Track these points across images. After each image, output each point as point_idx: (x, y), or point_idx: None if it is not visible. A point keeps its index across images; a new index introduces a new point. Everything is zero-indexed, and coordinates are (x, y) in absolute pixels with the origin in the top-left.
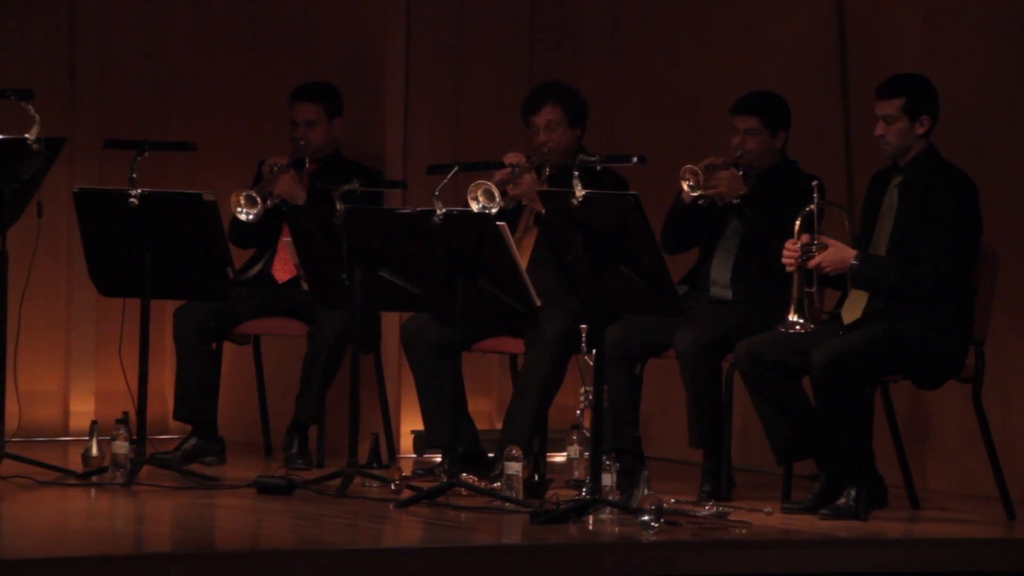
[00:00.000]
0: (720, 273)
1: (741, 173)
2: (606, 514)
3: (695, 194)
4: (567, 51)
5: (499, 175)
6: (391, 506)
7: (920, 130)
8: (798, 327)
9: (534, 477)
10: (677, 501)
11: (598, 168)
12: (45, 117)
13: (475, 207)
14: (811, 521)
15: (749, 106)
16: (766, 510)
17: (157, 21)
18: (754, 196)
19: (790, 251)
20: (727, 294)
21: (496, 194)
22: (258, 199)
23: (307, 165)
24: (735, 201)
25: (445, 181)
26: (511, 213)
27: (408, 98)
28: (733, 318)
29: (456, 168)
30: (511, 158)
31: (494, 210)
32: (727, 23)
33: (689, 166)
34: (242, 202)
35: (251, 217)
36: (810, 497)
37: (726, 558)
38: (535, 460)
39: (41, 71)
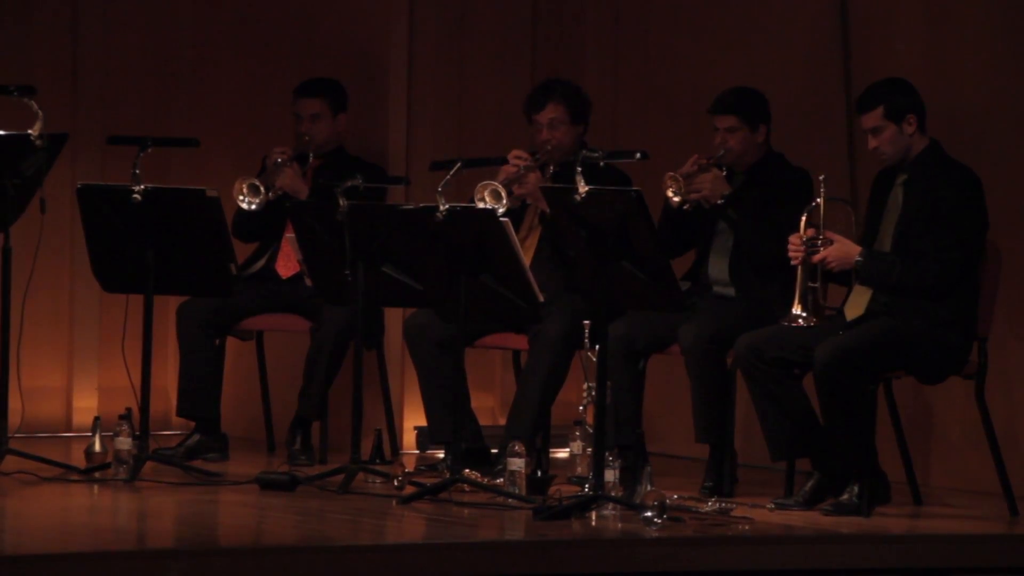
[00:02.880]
0: (718, 273)
1: (725, 172)
2: (609, 510)
3: (678, 199)
4: (569, 48)
5: (504, 175)
6: (394, 502)
7: (909, 130)
8: (800, 321)
9: (537, 473)
10: (680, 497)
11: (601, 164)
12: (48, 113)
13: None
14: (814, 517)
15: (725, 105)
16: (769, 506)
17: (160, 17)
18: (740, 194)
19: (795, 245)
20: (730, 291)
21: (503, 194)
22: (261, 188)
23: (310, 160)
24: (719, 202)
25: (448, 177)
26: (515, 212)
27: (411, 94)
28: (738, 312)
29: (459, 164)
30: (515, 155)
31: (501, 210)
32: (728, 20)
33: (670, 173)
34: (245, 190)
35: (253, 206)
36: (802, 494)
37: (729, 554)
38: (538, 456)
39: (44, 67)
